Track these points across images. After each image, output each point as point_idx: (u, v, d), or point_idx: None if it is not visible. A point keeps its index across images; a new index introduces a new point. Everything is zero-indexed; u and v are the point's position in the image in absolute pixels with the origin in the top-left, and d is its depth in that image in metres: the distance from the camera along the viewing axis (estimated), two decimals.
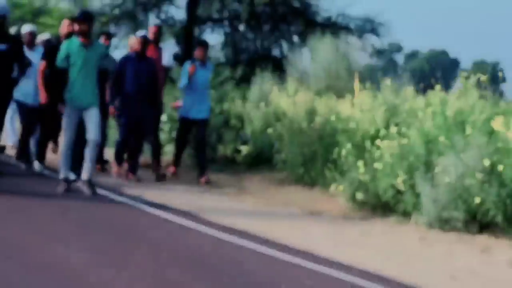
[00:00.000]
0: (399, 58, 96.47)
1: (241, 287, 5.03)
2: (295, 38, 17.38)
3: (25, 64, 9.14)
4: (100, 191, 8.64)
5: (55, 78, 9.06)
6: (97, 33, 12.39)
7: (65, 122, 8.66)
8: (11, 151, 11.40)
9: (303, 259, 5.89)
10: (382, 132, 8.67)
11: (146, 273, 5.07)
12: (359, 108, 9.63)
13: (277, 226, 7.26)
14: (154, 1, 17.74)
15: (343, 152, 8.62)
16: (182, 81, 10.59)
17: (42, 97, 9.59)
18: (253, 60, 16.73)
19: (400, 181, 7.76)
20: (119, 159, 10.32)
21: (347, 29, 18.15)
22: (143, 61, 10.18)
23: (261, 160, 11.07)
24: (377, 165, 8.13)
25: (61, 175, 8.70)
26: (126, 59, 10.33)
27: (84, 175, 8.56)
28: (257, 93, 12.75)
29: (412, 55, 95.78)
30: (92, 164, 8.61)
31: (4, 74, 8.91)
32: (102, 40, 10.89)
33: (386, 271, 5.68)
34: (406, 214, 7.82)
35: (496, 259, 6.36)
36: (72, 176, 8.81)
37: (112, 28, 16.54)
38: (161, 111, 11.25)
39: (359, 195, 8.20)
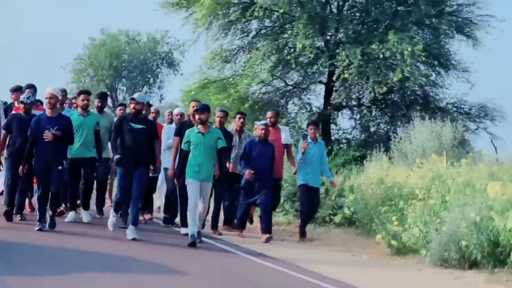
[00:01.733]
0: None
1: None
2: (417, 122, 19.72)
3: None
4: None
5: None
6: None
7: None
8: None
9: None
10: (421, 195, 11.05)
11: None
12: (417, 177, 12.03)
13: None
14: (296, 91, 21.03)
15: (382, 209, 11.09)
16: (298, 156, 12.53)
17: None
18: (373, 141, 19.28)
19: (417, 231, 10.13)
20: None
21: (467, 114, 20.39)
22: (265, 145, 11.90)
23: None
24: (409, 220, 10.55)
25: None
26: (251, 142, 12.09)
27: None
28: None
29: None
30: None
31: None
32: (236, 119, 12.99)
33: None
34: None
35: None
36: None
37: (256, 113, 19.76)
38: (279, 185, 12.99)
39: (394, 242, 10.63)
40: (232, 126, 13.44)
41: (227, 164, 10.99)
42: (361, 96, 21.13)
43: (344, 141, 21.09)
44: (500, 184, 9.70)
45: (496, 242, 9.33)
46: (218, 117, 12.31)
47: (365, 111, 20.76)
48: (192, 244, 10.22)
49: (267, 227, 11.71)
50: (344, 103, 21.17)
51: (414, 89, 19.34)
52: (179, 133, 11.43)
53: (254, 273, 8.78)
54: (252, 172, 11.53)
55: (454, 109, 21.05)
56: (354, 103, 21.10)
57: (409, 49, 17.90)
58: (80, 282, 6.89)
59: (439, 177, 11.48)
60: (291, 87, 21.16)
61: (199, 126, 10.69)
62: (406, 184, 12.07)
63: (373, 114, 21.43)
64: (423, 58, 18.68)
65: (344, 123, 21.86)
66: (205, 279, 7.85)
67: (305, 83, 20.96)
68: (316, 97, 21.79)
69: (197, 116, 10.83)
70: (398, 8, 20.67)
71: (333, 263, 9.94)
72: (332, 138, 21.10)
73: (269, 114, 13.17)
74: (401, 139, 16.28)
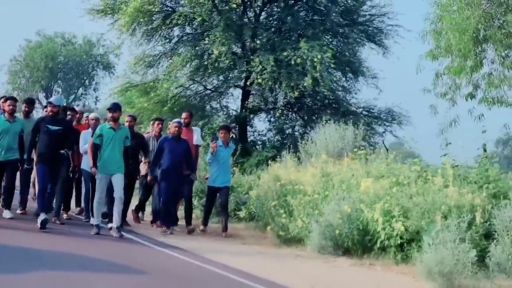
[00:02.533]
0: None
1: None
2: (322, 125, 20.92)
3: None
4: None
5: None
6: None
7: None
8: None
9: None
10: (310, 191, 12.24)
11: None
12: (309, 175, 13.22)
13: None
14: (214, 95, 22.12)
15: (272, 203, 12.25)
16: (207, 156, 13.69)
17: None
18: (288, 143, 20.48)
19: (300, 222, 11.31)
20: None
21: (375, 118, 21.77)
22: (178, 142, 12.75)
23: None
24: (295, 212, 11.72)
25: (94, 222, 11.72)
26: (165, 139, 12.92)
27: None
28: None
29: None
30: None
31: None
32: (155, 125, 14.11)
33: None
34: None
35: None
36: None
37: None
38: (193, 181, 13.78)
39: (281, 233, 11.80)
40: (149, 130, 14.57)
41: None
42: (276, 100, 22.24)
43: (259, 142, 22.22)
44: (371, 180, 10.94)
45: (365, 231, 10.56)
46: (127, 121, 13.14)
47: (278, 114, 21.90)
48: (97, 233, 11.30)
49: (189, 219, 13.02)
50: (260, 106, 22.30)
51: (325, 93, 20.47)
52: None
53: (149, 258, 9.75)
54: (153, 177, 12.76)
55: (365, 113, 22.40)
56: (270, 106, 22.23)
57: (319, 56, 19.10)
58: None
59: (326, 175, 12.69)
60: (210, 91, 22.22)
61: (111, 122, 11.74)
62: (298, 181, 13.20)
63: (289, 117, 22.63)
64: (332, 65, 19.93)
65: (260, 126, 23.07)
66: (105, 263, 8.75)
67: (223, 87, 22.04)
68: (234, 101, 22.91)
69: (109, 114, 11.80)
70: (312, 17, 21.90)
71: (225, 252, 10.92)
72: (249, 139, 22.23)
73: (183, 115, 14.15)
74: (307, 140, 17.45)
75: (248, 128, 22.64)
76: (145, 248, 10.69)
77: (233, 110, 22.20)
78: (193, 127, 14.40)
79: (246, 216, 15.22)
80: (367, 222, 10.48)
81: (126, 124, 13.04)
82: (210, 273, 8.76)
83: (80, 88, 58.59)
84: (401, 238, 9.96)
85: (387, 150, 14.33)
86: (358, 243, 10.59)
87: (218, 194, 13.48)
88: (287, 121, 22.20)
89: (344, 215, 10.65)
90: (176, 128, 12.85)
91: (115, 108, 11.85)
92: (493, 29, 11.31)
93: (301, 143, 17.58)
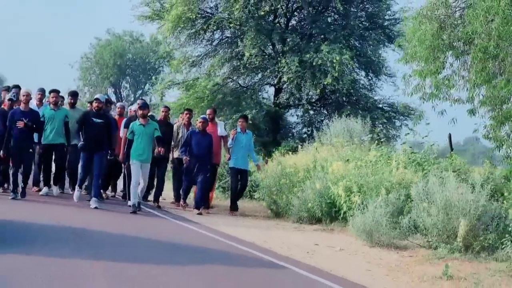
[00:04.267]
0: None
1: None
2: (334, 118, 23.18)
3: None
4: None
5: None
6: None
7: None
8: None
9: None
10: (301, 173, 14.73)
11: None
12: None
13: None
14: (248, 91, 24.76)
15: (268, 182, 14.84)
16: (229, 142, 15.81)
17: None
18: (309, 135, 22.97)
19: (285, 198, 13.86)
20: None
21: (394, 112, 24.03)
22: (204, 135, 14.77)
23: None
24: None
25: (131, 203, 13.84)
26: (192, 132, 14.94)
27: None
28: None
29: None
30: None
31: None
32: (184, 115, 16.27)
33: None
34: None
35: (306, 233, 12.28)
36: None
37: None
38: (216, 168, 16.18)
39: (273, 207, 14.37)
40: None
41: (159, 149, 14.14)
42: (301, 96, 24.60)
43: (290, 134, 24.81)
44: (340, 163, 13.40)
45: (332, 204, 13.03)
46: (162, 111, 15.87)
47: (303, 109, 24.40)
48: (133, 212, 13.36)
49: (199, 202, 14.67)
50: (289, 102, 24.81)
51: (345, 91, 22.77)
52: (127, 125, 14.66)
53: (167, 229, 11.59)
54: (188, 158, 14.63)
55: (386, 108, 24.65)
56: (297, 102, 24.71)
57: (337, 58, 21.50)
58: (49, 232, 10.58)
59: (315, 160, 15.18)
60: (244, 88, 24.88)
61: (141, 119, 13.96)
62: (294, 166, 15.64)
63: (315, 112, 25.12)
64: (352, 65, 22.33)
65: (291, 119, 25.66)
66: (133, 233, 10.38)
67: (255, 85, 24.69)
68: (268, 97, 25.53)
69: (139, 112, 14.00)
70: (334, 22, 24.31)
71: (231, 224, 13.00)
72: (281, 132, 24.84)
73: (208, 111, 16.36)
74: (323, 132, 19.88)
75: (280, 122, 25.18)
76: (170, 223, 13.32)
77: (266, 105, 24.74)
78: (217, 121, 16.58)
79: (260, 196, 17.77)
80: (334, 197, 12.93)
81: (162, 114, 15.63)
82: (209, 238, 11.16)
83: (147, 84, 61.66)
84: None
85: (451, 147, 15.78)
86: (327, 214, 13.08)
87: (239, 176, 15.56)
88: (313, 116, 24.66)
89: (316, 191, 13.15)
90: (201, 123, 14.89)
91: (144, 106, 14.15)
92: (450, 38, 13.52)
93: (317, 134, 20.00)
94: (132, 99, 59.80)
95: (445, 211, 10.31)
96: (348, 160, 13.70)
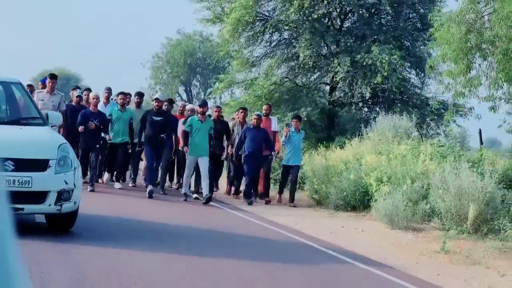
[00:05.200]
0: None
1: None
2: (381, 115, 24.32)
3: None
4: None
5: None
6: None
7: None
8: None
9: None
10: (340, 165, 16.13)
11: None
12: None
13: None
14: (304, 90, 26.22)
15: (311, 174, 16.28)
16: (282, 139, 17.28)
17: None
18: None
19: (324, 188, 15.28)
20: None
21: (443, 109, 25.08)
22: (258, 131, 15.92)
23: None
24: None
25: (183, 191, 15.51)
26: (247, 129, 16.14)
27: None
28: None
29: None
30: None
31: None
32: (239, 113, 18.07)
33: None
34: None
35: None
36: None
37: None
38: (270, 161, 17.45)
39: (315, 196, 15.82)
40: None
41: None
42: (353, 94, 25.80)
43: (344, 130, 26.15)
44: (373, 156, 14.75)
45: (365, 193, 14.39)
46: (215, 111, 17.31)
47: (355, 106, 25.73)
48: (185, 200, 14.78)
49: (250, 193, 15.90)
50: (343, 101, 26.13)
51: (399, 89, 23.96)
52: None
53: (219, 216, 13.04)
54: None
55: (436, 105, 25.69)
56: (350, 100, 26.01)
57: (386, 58, 22.75)
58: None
59: (355, 154, 16.56)
60: (300, 87, 26.34)
61: (199, 115, 15.31)
62: (336, 159, 17.03)
63: (369, 108, 26.42)
64: (401, 65, 23.53)
65: (347, 116, 26.97)
66: (189, 219, 12.29)
67: (311, 84, 26.15)
68: (323, 95, 26.92)
69: (200, 109, 15.32)
70: (386, 23, 25.54)
71: (278, 214, 14.24)
72: (335, 128, 26.19)
73: (264, 106, 18.00)
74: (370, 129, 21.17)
75: (335, 119, 26.55)
76: (225, 211, 14.90)
77: (321, 103, 26.15)
78: (271, 117, 18.01)
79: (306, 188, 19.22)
80: (366, 186, 14.30)
81: (215, 113, 16.83)
82: (257, 225, 12.88)
83: (216, 83, 63.40)
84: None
85: (481, 141, 16.88)
86: (360, 202, 14.45)
87: (290, 171, 16.71)
88: (366, 113, 25.95)
89: (351, 181, 14.54)
90: (255, 120, 16.02)
91: (204, 104, 15.70)
92: (478, 40, 14.69)
93: (365, 130, 21.31)
94: (202, 96, 61.80)
95: (458, 197, 11.58)
96: (380, 153, 15.02)
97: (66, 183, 8.35)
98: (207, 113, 15.97)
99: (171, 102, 18.05)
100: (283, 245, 9.71)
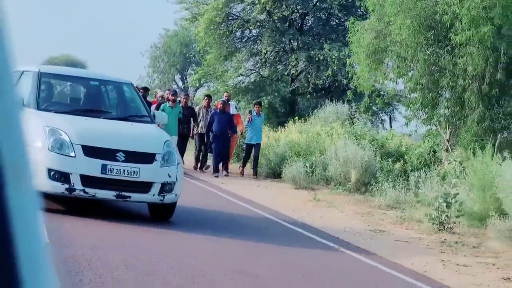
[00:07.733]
0: None
1: None
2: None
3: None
4: None
5: None
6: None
7: None
8: None
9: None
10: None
11: None
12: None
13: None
14: (269, 81, 30.22)
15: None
16: (245, 123, 21.28)
17: None
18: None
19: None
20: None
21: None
22: (223, 114, 20.26)
23: None
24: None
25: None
26: (214, 113, 20.48)
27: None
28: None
29: None
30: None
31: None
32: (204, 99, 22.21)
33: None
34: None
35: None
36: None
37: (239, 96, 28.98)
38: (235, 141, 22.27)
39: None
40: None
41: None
42: (308, 85, 29.65)
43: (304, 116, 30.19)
44: (297, 135, 18.68)
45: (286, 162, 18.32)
46: (183, 98, 21.30)
47: (309, 96, 29.74)
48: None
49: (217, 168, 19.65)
50: (300, 91, 30.10)
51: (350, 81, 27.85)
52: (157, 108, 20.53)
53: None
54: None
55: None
56: (305, 90, 29.97)
57: (336, 54, 26.68)
58: None
59: (287, 134, 20.49)
60: (265, 78, 30.34)
61: (170, 102, 19.06)
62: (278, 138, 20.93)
63: (322, 98, 30.41)
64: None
65: (306, 104, 31.05)
66: None
67: (273, 76, 30.17)
68: (286, 85, 30.96)
69: (172, 97, 19.08)
70: (337, 23, 29.56)
71: (228, 182, 18.70)
72: (295, 114, 30.20)
73: (225, 94, 22.32)
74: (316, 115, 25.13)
75: (295, 106, 30.57)
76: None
77: (283, 92, 30.17)
78: (230, 102, 22.11)
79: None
80: (288, 158, 18.23)
81: (183, 100, 20.64)
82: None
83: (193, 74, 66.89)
84: None
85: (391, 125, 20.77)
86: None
87: (253, 149, 20.01)
88: (319, 101, 29.96)
89: (277, 155, 18.48)
90: (221, 105, 19.91)
91: (174, 93, 19.59)
92: (383, 44, 18.66)
93: (311, 116, 25.26)
94: (197, 84, 65.63)
95: (345, 164, 15.55)
96: (301, 132, 18.98)
97: (169, 176, 9.12)
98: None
99: (146, 89, 21.94)
100: (213, 198, 13.65)
